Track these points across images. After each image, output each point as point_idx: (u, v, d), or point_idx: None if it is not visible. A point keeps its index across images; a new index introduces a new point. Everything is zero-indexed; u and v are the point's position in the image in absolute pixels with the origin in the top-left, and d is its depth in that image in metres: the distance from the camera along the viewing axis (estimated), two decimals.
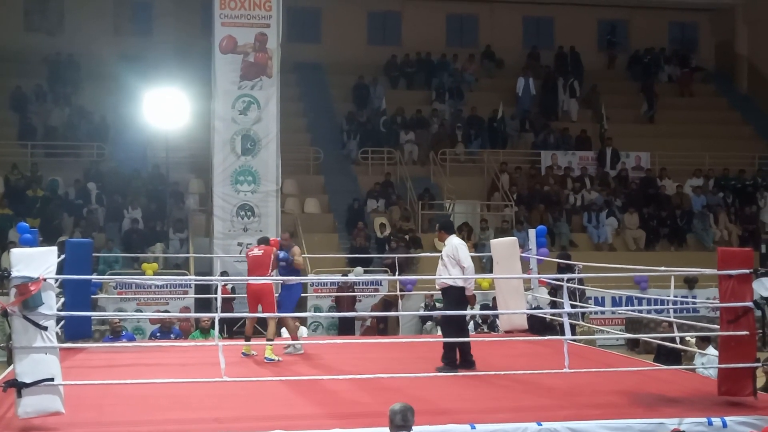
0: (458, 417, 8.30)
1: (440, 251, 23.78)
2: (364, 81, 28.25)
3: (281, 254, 12.26)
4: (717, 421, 8.40)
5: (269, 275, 12.03)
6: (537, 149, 27.23)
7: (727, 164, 27.29)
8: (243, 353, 12.12)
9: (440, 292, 11.23)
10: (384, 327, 19.40)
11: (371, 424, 7.92)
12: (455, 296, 10.81)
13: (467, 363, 10.74)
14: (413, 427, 6.88)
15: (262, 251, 12.11)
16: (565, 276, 12.63)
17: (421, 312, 19.32)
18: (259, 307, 12.02)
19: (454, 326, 11.06)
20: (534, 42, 30.86)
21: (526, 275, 13.98)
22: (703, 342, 12.44)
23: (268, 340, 12.02)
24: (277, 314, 12.02)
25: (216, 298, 12.98)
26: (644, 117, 29.74)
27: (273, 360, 11.73)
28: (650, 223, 25.03)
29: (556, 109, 28.91)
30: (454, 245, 10.86)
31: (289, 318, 12.45)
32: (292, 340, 12.50)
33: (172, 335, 15.24)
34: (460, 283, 10.76)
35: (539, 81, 28.90)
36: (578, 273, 15.24)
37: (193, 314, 17.07)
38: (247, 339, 12.35)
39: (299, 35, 28.62)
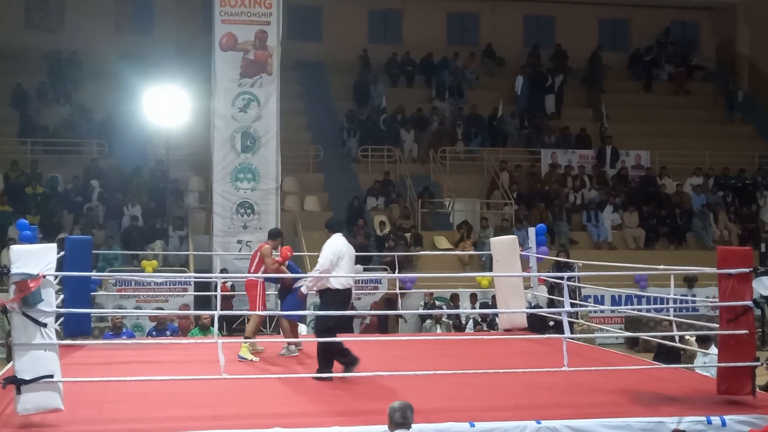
0: (457, 415, 8.30)
1: (441, 249, 23.83)
2: (365, 79, 28.23)
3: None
4: (716, 419, 8.39)
5: (254, 272, 11.84)
6: (536, 147, 27.25)
7: (727, 163, 27.29)
8: (240, 356, 11.73)
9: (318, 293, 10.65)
10: (385, 326, 19.43)
11: (370, 422, 7.91)
12: (334, 298, 10.25)
13: (349, 363, 10.10)
14: (412, 425, 6.88)
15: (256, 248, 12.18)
16: (566, 275, 12.64)
17: (421, 310, 19.33)
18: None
19: (330, 330, 10.17)
20: (535, 41, 30.84)
21: (525, 274, 13.98)
22: (705, 342, 12.44)
23: (245, 337, 11.74)
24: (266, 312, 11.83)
25: (215, 296, 12.96)
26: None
27: (246, 359, 11.42)
28: (650, 221, 25.03)
29: (543, 107, 28.80)
30: (325, 244, 10.33)
31: (285, 320, 12.21)
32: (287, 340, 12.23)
33: (168, 332, 15.23)
34: (337, 286, 10.20)
35: (526, 79, 28.82)
36: (575, 271, 15.23)
37: (192, 312, 17.06)
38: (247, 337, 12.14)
39: (300, 33, 28.63)
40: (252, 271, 11.96)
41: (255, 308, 11.75)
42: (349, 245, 10.53)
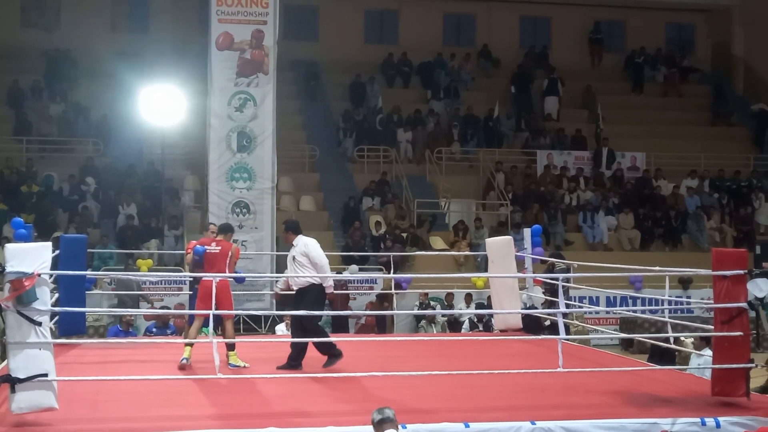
0: (452, 415, 8.30)
1: (437, 250, 23.83)
2: (361, 79, 28.24)
3: (198, 249, 11.36)
4: (710, 421, 8.41)
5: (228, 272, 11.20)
6: (532, 148, 27.26)
7: (723, 165, 27.34)
8: (186, 359, 10.79)
9: (295, 292, 10.77)
10: (382, 325, 19.43)
11: (365, 422, 7.89)
12: (315, 295, 10.67)
13: (334, 357, 10.60)
14: (407, 425, 6.87)
15: (220, 247, 11.26)
16: (561, 275, 12.65)
17: (416, 311, 19.33)
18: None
19: (312, 327, 10.68)
20: (531, 42, 30.87)
21: (521, 275, 13.98)
22: (701, 342, 12.45)
23: (229, 344, 11.00)
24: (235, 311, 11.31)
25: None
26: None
27: (239, 366, 10.87)
28: (645, 223, 25.06)
29: (532, 108, 28.78)
30: (307, 244, 10.75)
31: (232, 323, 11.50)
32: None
33: (168, 331, 15.22)
34: (317, 282, 10.62)
35: (517, 79, 28.81)
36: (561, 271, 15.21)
37: (186, 311, 17.01)
38: (191, 344, 10.92)
39: (296, 33, 28.59)
40: (227, 271, 11.19)
41: (232, 309, 11.26)
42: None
